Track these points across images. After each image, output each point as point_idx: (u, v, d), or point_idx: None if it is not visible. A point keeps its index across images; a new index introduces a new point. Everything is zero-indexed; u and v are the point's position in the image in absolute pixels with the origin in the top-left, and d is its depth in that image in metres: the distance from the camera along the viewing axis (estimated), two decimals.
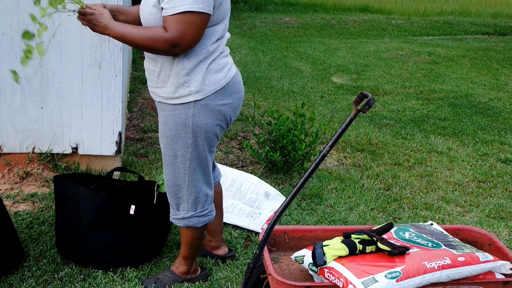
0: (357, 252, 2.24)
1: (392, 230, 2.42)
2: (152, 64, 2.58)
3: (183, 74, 2.50)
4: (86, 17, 2.45)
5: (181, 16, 2.36)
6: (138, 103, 6.07)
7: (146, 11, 2.48)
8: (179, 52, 2.44)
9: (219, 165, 3.65)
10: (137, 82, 6.89)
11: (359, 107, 2.14)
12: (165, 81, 2.54)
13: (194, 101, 2.52)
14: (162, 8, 2.40)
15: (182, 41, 2.39)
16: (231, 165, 4.49)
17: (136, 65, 7.77)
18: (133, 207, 2.90)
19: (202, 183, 2.69)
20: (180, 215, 2.73)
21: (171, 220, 2.79)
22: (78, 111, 3.95)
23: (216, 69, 2.54)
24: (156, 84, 2.59)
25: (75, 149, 4.02)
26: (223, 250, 3.16)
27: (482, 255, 2.27)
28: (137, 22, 2.62)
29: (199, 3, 2.36)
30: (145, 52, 2.61)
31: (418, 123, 5.99)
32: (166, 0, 2.38)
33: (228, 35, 2.65)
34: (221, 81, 2.55)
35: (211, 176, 2.74)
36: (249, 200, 3.73)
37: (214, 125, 2.59)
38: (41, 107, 3.90)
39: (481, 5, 16.55)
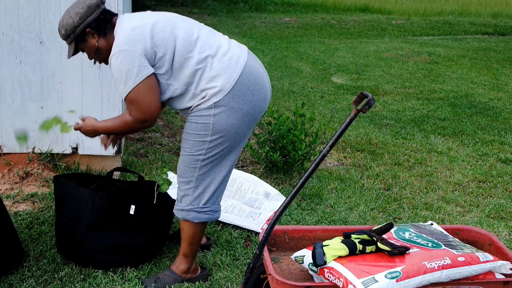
0: (357, 252, 2.24)
1: (392, 230, 2.42)
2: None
3: (195, 94, 2.61)
4: (80, 130, 2.80)
5: (129, 97, 2.56)
6: None
7: None
8: (152, 120, 2.65)
9: None
10: None
11: (359, 107, 2.14)
12: (187, 110, 2.68)
13: (214, 102, 2.59)
14: None
15: (144, 115, 2.60)
16: None
17: None
18: (133, 207, 2.90)
19: (212, 181, 2.72)
20: (180, 206, 2.77)
21: (173, 211, 2.83)
22: (78, 111, 3.95)
23: (211, 77, 2.58)
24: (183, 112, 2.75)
25: (75, 149, 4.02)
26: (203, 240, 3.20)
27: (482, 255, 2.28)
28: None
29: (134, 75, 2.52)
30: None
31: (418, 123, 5.99)
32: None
33: (201, 37, 2.64)
34: (226, 85, 2.57)
35: (224, 177, 2.75)
36: (249, 200, 3.73)
37: (235, 124, 2.62)
38: (41, 107, 3.90)
39: (481, 5, 16.55)
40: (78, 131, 2.80)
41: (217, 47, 2.63)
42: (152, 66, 2.56)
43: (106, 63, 2.71)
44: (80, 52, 2.71)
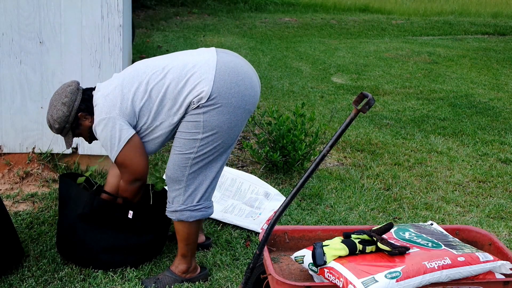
0: (357, 252, 2.24)
1: (392, 230, 2.42)
2: None
3: (182, 111, 2.63)
4: None
5: (118, 161, 2.68)
6: None
7: None
8: (143, 178, 2.76)
9: None
10: None
11: (359, 107, 2.14)
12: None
13: (200, 103, 2.59)
14: None
15: (134, 175, 2.73)
16: (231, 165, 4.50)
17: None
18: (131, 212, 2.89)
19: (205, 179, 2.71)
20: (172, 207, 2.76)
21: (166, 214, 2.82)
22: None
23: (190, 91, 2.60)
24: None
25: (75, 149, 4.02)
26: (201, 238, 3.20)
27: (482, 255, 2.28)
28: None
29: (117, 140, 2.63)
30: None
31: (418, 123, 5.99)
32: None
33: (168, 68, 2.67)
34: (206, 88, 2.57)
35: (216, 173, 2.75)
36: (249, 200, 3.73)
37: (227, 119, 2.62)
38: (41, 107, 3.90)
39: (481, 5, 16.54)
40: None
41: (184, 66, 2.64)
42: (137, 122, 2.66)
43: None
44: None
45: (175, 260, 2.93)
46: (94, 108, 2.70)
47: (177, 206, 2.74)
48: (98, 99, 2.70)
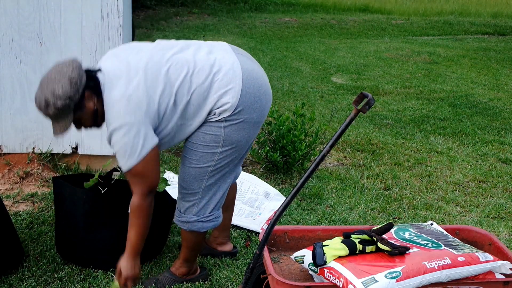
0: (357, 252, 2.24)
1: (392, 230, 2.42)
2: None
3: (202, 119, 2.51)
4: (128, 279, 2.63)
5: (135, 170, 2.41)
6: None
7: None
8: (155, 191, 2.51)
9: None
10: None
11: (359, 107, 2.14)
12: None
13: (224, 117, 2.50)
14: None
15: (150, 187, 2.47)
16: None
17: None
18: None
19: (218, 190, 2.68)
20: (185, 218, 2.71)
21: (175, 221, 2.79)
22: None
23: (215, 99, 2.47)
24: None
25: (75, 149, 4.02)
26: (229, 246, 3.18)
27: (482, 255, 2.28)
28: None
29: (140, 148, 2.37)
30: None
31: (418, 123, 5.98)
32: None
33: (191, 67, 2.46)
34: (232, 100, 2.47)
35: (229, 184, 2.72)
36: (249, 200, 3.73)
37: (246, 134, 2.58)
38: None
39: (481, 5, 16.53)
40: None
41: (209, 68, 2.47)
42: (160, 123, 2.44)
43: (98, 126, 2.52)
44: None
45: (176, 262, 2.92)
46: (109, 103, 2.37)
47: (189, 217, 2.69)
48: (115, 92, 2.37)
